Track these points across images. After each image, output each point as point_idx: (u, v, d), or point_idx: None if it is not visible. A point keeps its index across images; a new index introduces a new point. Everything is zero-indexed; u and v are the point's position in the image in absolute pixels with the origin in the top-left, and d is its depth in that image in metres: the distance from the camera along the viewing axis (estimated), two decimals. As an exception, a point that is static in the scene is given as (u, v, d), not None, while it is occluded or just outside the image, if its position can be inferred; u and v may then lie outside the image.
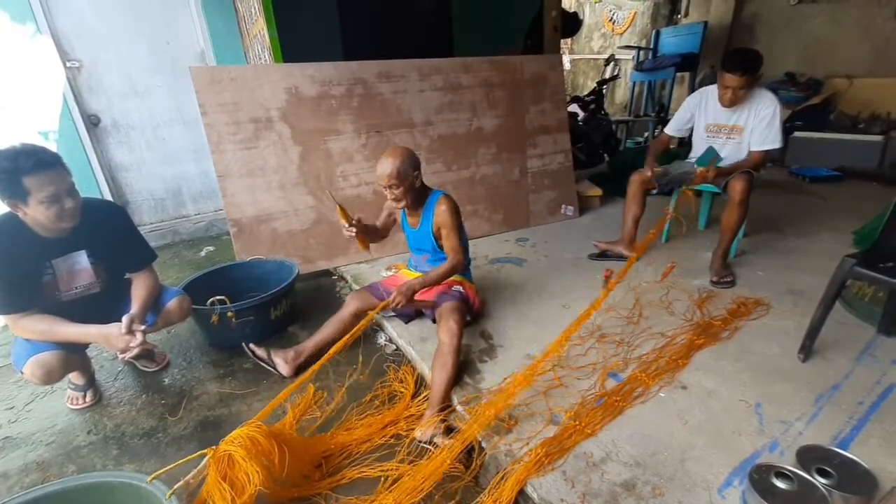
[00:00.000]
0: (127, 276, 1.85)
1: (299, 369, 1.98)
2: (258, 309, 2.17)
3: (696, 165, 2.50)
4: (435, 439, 1.52)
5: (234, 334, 2.13)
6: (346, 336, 1.75)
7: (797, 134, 4.58)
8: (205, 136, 2.67)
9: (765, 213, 3.32)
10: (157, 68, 3.63)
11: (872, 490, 1.17)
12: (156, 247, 3.62)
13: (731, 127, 2.50)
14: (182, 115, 3.78)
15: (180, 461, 1.21)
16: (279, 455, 1.21)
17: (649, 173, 2.55)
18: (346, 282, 2.85)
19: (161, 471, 1.15)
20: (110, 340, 1.59)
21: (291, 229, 2.87)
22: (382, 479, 1.41)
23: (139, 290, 1.78)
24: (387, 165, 1.81)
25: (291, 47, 3.08)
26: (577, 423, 1.49)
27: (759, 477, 1.21)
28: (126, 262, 1.83)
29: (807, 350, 1.77)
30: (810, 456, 1.28)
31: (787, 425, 1.46)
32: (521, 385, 1.60)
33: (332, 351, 1.69)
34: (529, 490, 1.31)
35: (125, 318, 1.59)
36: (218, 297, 2.13)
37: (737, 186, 2.35)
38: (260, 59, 3.35)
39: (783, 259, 2.68)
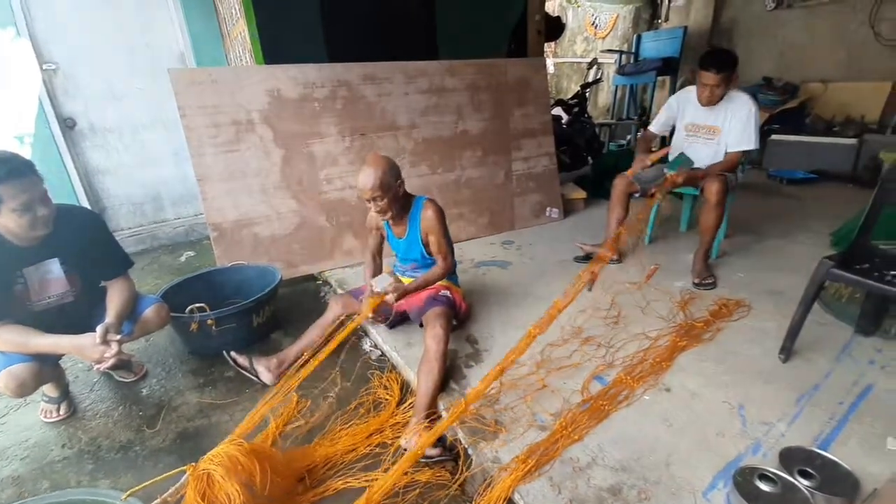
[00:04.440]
0: (102, 284, 1.80)
1: (282, 377, 1.94)
2: (240, 316, 2.12)
3: (666, 170, 2.52)
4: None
5: (215, 342, 2.08)
6: (334, 342, 1.71)
7: (774, 137, 4.68)
8: (184, 139, 2.61)
9: (744, 214, 3.37)
10: (136, 70, 3.55)
11: (854, 492, 1.18)
12: (134, 252, 3.55)
13: (709, 128, 2.54)
14: (161, 118, 3.70)
15: (157, 478, 1.17)
16: (260, 473, 1.18)
17: (640, 167, 2.52)
18: (331, 286, 2.81)
19: (137, 488, 1.12)
20: (85, 351, 1.54)
21: (274, 234, 2.83)
22: (367, 489, 1.39)
23: (115, 298, 1.72)
24: (368, 177, 1.76)
25: (273, 49, 3.04)
26: (564, 428, 1.49)
27: (743, 480, 1.22)
28: (101, 270, 1.78)
29: (787, 351, 1.80)
30: (792, 457, 1.29)
31: (769, 426, 1.48)
32: (495, 377, 1.57)
33: (319, 358, 1.66)
34: (517, 497, 1.30)
35: (100, 329, 1.54)
36: (198, 305, 2.08)
37: (712, 188, 2.39)
38: (241, 60, 3.30)
39: (763, 260, 2.73)
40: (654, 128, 2.76)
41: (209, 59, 3.68)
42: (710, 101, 2.43)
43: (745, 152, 2.48)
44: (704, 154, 2.56)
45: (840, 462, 1.27)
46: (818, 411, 1.54)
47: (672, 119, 2.69)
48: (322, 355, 1.61)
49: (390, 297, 1.82)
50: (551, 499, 1.28)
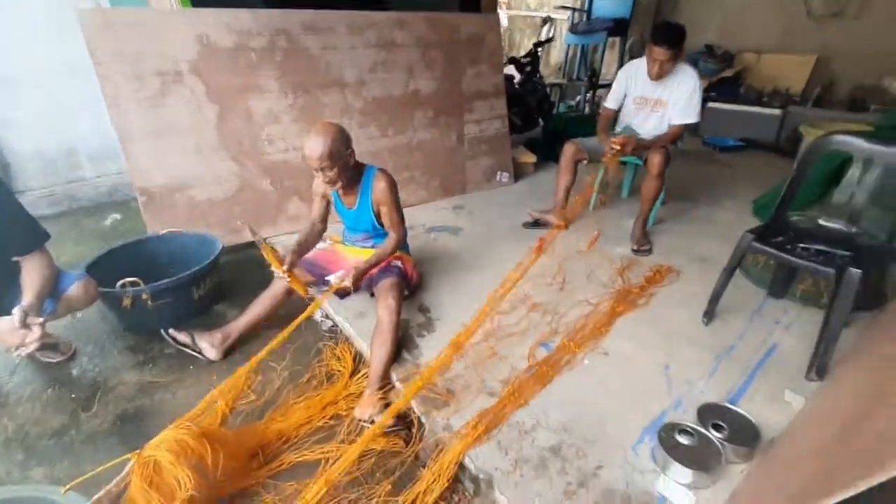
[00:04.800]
0: (15, 259, 1.62)
1: (228, 352, 1.89)
2: (178, 289, 2.01)
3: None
4: (375, 418, 1.54)
5: (152, 318, 1.96)
6: (287, 329, 1.69)
7: (711, 104, 4.90)
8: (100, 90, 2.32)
9: (681, 182, 3.56)
10: (38, 5, 3.04)
11: (756, 441, 1.36)
12: (50, 215, 3.21)
13: (656, 100, 2.61)
14: (72, 62, 3.21)
15: (98, 469, 1.12)
16: (212, 455, 1.17)
17: (617, 147, 2.47)
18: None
19: (77, 480, 1.07)
20: (3, 336, 1.41)
21: (212, 198, 2.65)
22: (323, 461, 1.42)
23: (31, 276, 1.56)
24: (316, 146, 1.67)
25: (200, -12, 2.72)
26: (511, 394, 1.58)
27: (666, 435, 1.37)
28: (10, 245, 1.59)
29: (710, 314, 1.98)
30: (708, 412, 1.46)
31: (690, 385, 1.65)
32: (451, 355, 1.63)
33: (270, 346, 1.63)
34: (467, 461, 1.38)
35: (17, 311, 1.41)
36: (130, 280, 1.93)
37: (654, 160, 2.50)
38: (164, 1, 2.92)
39: (694, 226, 2.94)
40: (609, 104, 2.81)
41: (124, -6, 3.22)
42: (660, 75, 2.49)
43: (686, 125, 2.59)
44: (650, 126, 2.65)
45: (746, 414, 1.45)
46: (732, 368, 1.73)
47: (623, 92, 2.74)
48: (275, 343, 1.58)
49: (348, 282, 1.79)
50: (499, 460, 1.37)
